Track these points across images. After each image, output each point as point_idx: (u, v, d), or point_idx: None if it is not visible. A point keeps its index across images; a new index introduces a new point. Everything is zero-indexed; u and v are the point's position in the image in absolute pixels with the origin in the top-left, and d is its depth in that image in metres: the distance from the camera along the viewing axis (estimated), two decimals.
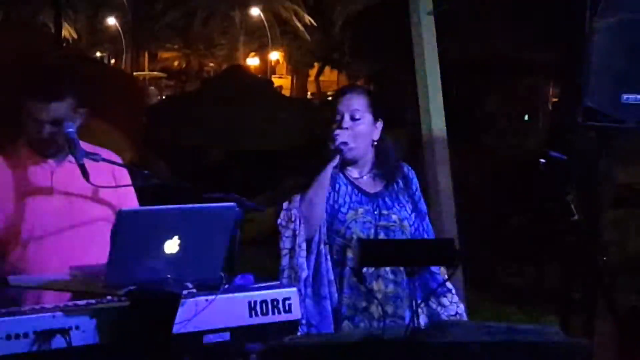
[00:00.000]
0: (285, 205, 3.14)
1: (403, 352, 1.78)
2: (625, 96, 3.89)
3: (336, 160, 3.12)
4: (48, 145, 3.00)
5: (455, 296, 3.26)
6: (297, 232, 3.10)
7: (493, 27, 8.68)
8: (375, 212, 3.17)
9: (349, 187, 3.18)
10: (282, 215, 3.14)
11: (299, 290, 3.00)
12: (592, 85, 3.86)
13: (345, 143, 3.12)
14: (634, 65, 3.88)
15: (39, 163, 3.05)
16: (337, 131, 3.13)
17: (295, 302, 2.78)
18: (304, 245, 3.10)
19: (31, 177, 3.03)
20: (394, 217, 3.19)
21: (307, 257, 3.11)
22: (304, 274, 3.07)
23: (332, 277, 3.11)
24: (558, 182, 3.25)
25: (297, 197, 3.14)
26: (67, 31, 36.02)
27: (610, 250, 3.70)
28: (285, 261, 3.10)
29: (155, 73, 39.87)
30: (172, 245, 2.47)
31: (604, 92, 3.87)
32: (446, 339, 1.82)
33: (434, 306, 3.21)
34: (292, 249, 3.10)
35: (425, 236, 3.29)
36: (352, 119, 3.16)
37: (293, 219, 3.11)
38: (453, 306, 3.22)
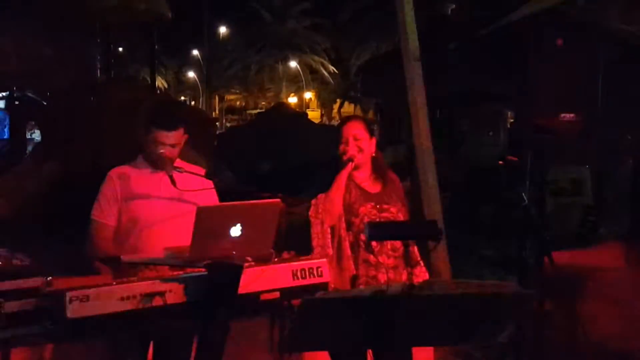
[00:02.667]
0: (313, 201, 3.13)
1: (401, 302, 1.78)
2: (562, 115, 3.86)
3: (350, 168, 3.12)
4: (165, 161, 3.00)
5: (423, 267, 3.23)
6: (323, 220, 3.09)
7: (465, 69, 8.61)
8: (378, 207, 3.16)
9: (358, 190, 3.17)
10: (311, 209, 3.11)
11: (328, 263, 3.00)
12: (538, 107, 3.84)
13: (353, 155, 3.13)
14: (567, 92, 3.85)
15: (153, 173, 3.08)
16: (346, 148, 3.14)
17: (325, 269, 2.77)
18: (329, 230, 3.09)
19: (147, 183, 3.07)
20: (392, 210, 3.17)
21: (332, 240, 3.09)
22: (330, 251, 3.06)
23: (349, 253, 3.09)
24: (512, 178, 3.21)
25: (323, 195, 3.12)
26: (160, 82, 36.27)
27: (554, 226, 3.64)
28: (315, 242, 3.08)
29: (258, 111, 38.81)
30: (236, 230, 2.47)
31: (547, 112, 3.84)
32: (432, 292, 1.81)
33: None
34: (320, 233, 3.08)
35: None
36: (355, 139, 3.16)
37: (320, 211, 3.10)
38: (422, 275, 3.20)
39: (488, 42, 5.38)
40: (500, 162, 3.24)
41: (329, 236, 3.08)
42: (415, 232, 2.11)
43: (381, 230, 2.14)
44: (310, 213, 3.12)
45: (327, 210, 3.09)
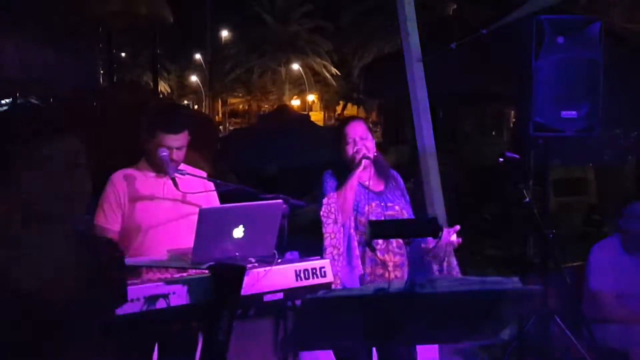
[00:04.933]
0: (325, 201, 3.11)
1: (403, 300, 1.78)
2: (564, 113, 3.84)
3: (362, 166, 3.11)
4: (170, 164, 2.99)
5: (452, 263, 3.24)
6: (337, 219, 3.08)
7: (467, 68, 8.62)
8: (383, 205, 3.17)
9: (363, 189, 3.18)
10: (323, 208, 3.09)
11: (339, 262, 3.01)
12: (539, 106, 3.83)
13: (365, 153, 3.13)
14: (568, 90, 3.84)
15: (156, 177, 3.08)
16: (357, 148, 3.14)
17: (328, 269, 2.77)
18: (341, 230, 3.08)
19: (150, 186, 3.07)
20: (396, 207, 3.18)
21: (342, 239, 3.09)
22: (343, 250, 3.06)
23: (358, 253, 3.09)
24: (512, 175, 3.20)
25: (334, 194, 3.12)
26: (163, 87, 36.41)
27: (558, 225, 3.64)
28: (327, 242, 3.06)
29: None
30: (238, 232, 2.49)
31: (548, 111, 3.83)
32: (434, 290, 1.81)
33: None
34: (332, 233, 3.07)
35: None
36: (361, 139, 3.17)
37: (333, 210, 3.08)
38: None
39: (489, 42, 5.37)
40: (500, 159, 3.24)
41: (341, 235, 3.08)
42: (416, 229, 2.12)
43: (382, 229, 2.15)
44: (322, 213, 3.10)
45: (340, 208, 3.09)
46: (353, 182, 3.11)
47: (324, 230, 3.08)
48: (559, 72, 3.84)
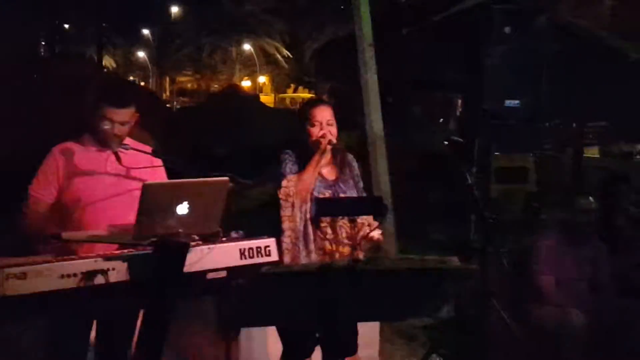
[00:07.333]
0: (284, 183, 3.07)
1: (346, 276, 1.81)
2: (507, 102, 3.95)
3: (325, 152, 3.09)
4: (113, 138, 2.96)
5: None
6: (294, 203, 3.05)
7: (417, 55, 8.71)
8: (335, 195, 3.10)
9: (317, 176, 3.12)
10: (282, 191, 3.05)
11: (297, 245, 3.02)
12: (485, 94, 3.91)
13: (331, 140, 3.09)
14: (513, 80, 3.94)
15: (98, 151, 3.02)
16: (322, 132, 3.09)
17: (273, 249, 2.75)
18: (299, 213, 3.06)
19: (92, 160, 3.00)
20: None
21: (299, 223, 3.06)
22: (300, 234, 3.04)
23: (312, 237, 3.06)
24: (456, 157, 3.27)
25: (294, 177, 3.08)
26: (108, 62, 35.48)
27: (499, 211, 3.74)
28: (286, 225, 3.04)
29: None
30: (182, 208, 2.44)
31: (493, 99, 3.92)
32: (377, 267, 1.84)
33: None
34: (291, 216, 3.04)
35: None
36: (328, 124, 3.13)
37: (291, 194, 3.05)
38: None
39: (440, 29, 5.45)
40: (445, 142, 3.30)
41: (298, 219, 3.05)
42: (362, 208, 2.14)
43: (328, 207, 2.16)
44: (280, 196, 3.06)
45: (298, 191, 3.05)
46: (313, 166, 3.07)
47: (282, 213, 3.05)
48: (506, 61, 3.94)
